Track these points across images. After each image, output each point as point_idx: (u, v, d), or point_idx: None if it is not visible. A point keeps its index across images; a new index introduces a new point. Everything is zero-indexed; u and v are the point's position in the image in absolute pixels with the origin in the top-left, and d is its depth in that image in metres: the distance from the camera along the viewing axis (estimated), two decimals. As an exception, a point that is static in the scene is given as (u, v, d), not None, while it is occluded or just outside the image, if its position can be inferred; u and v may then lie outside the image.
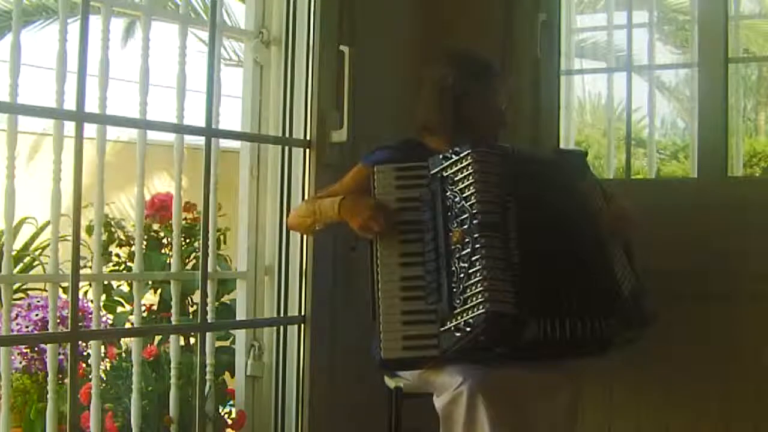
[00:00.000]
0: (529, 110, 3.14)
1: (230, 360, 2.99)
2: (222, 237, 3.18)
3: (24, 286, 3.47)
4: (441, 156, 2.22)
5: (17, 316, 2.96)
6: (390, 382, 2.43)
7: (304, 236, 2.80)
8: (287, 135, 2.88)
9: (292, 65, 2.89)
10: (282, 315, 2.88)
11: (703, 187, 2.96)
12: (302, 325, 2.83)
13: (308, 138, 2.84)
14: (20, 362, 3.03)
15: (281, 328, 2.88)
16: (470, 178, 2.14)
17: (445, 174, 2.20)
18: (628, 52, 3.27)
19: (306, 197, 2.79)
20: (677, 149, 9.13)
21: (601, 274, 2.20)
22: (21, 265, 3.67)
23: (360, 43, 2.88)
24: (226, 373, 3.03)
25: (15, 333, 2.84)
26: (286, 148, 2.89)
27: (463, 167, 2.17)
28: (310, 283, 2.79)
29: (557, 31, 3.19)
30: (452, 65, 2.43)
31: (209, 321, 2.68)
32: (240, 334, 2.93)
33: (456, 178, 2.17)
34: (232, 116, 2.93)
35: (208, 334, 2.69)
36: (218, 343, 2.91)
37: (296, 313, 2.84)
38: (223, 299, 3.12)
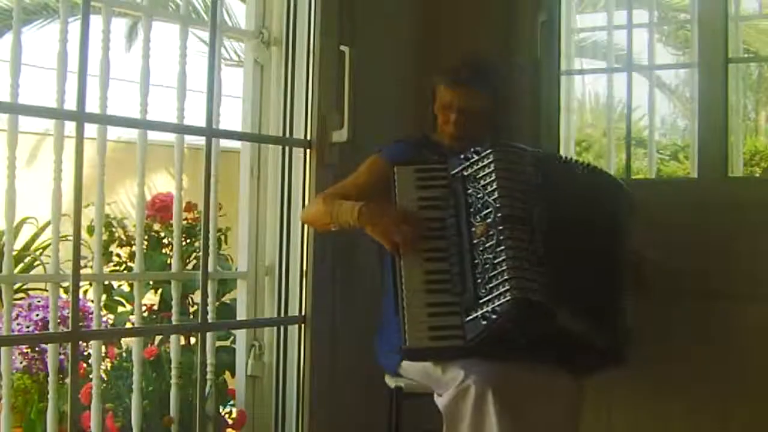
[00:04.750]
0: (529, 110, 3.14)
1: (231, 360, 2.99)
2: (222, 237, 3.18)
3: (25, 286, 3.47)
4: (462, 156, 2.26)
5: (18, 316, 2.96)
6: (390, 382, 2.43)
7: (305, 236, 2.80)
8: (287, 135, 2.88)
9: (292, 65, 2.89)
10: (282, 315, 2.88)
11: (703, 187, 2.96)
12: (302, 325, 2.83)
13: (308, 138, 2.84)
14: (21, 362, 3.03)
15: (281, 327, 2.88)
16: (493, 174, 2.18)
17: (466, 173, 2.24)
18: (629, 52, 3.27)
19: (307, 199, 2.79)
20: (677, 149, 9.14)
21: (613, 291, 2.27)
22: (22, 265, 3.67)
23: (360, 43, 2.89)
24: (227, 372, 3.03)
25: (16, 333, 2.84)
26: (287, 148, 2.89)
27: (485, 165, 2.20)
28: (310, 283, 2.79)
29: (557, 31, 3.19)
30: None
31: (210, 321, 2.68)
32: (240, 334, 2.93)
33: (478, 176, 2.21)
34: (232, 116, 2.93)
35: (208, 333, 2.69)
36: (219, 343, 2.91)
37: (296, 313, 2.84)
38: (223, 299, 3.12)
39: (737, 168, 3.71)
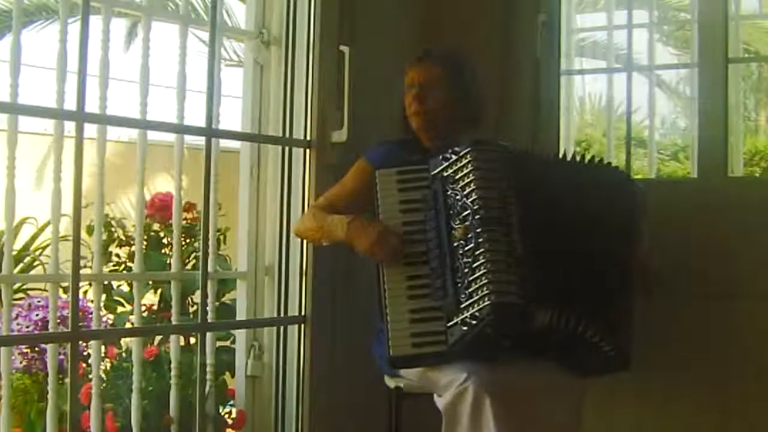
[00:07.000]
0: (529, 110, 3.14)
1: (230, 360, 2.99)
2: (222, 237, 3.18)
3: (24, 286, 3.47)
4: (441, 157, 2.24)
5: (18, 316, 2.96)
6: (390, 382, 2.43)
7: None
8: (287, 135, 2.88)
9: (292, 65, 2.89)
10: (282, 315, 2.88)
11: (703, 187, 2.96)
12: (302, 325, 2.83)
13: (308, 138, 2.84)
14: (21, 362, 3.03)
15: (281, 328, 2.88)
16: (470, 175, 2.16)
17: (445, 174, 2.22)
18: (629, 52, 3.27)
19: (307, 199, 2.79)
20: (677, 149, 9.14)
21: (609, 291, 2.21)
22: (21, 265, 3.67)
23: (360, 43, 2.89)
24: (227, 372, 3.03)
25: (15, 333, 2.84)
26: (287, 148, 2.89)
27: (463, 165, 2.18)
28: (310, 283, 2.79)
29: (557, 31, 3.19)
30: None
31: (209, 321, 2.68)
32: (240, 334, 2.93)
33: (456, 177, 2.19)
34: (232, 116, 2.93)
35: (208, 334, 2.69)
36: (218, 343, 2.91)
37: (296, 313, 2.84)
38: (223, 299, 3.12)
39: (737, 168, 3.71)
